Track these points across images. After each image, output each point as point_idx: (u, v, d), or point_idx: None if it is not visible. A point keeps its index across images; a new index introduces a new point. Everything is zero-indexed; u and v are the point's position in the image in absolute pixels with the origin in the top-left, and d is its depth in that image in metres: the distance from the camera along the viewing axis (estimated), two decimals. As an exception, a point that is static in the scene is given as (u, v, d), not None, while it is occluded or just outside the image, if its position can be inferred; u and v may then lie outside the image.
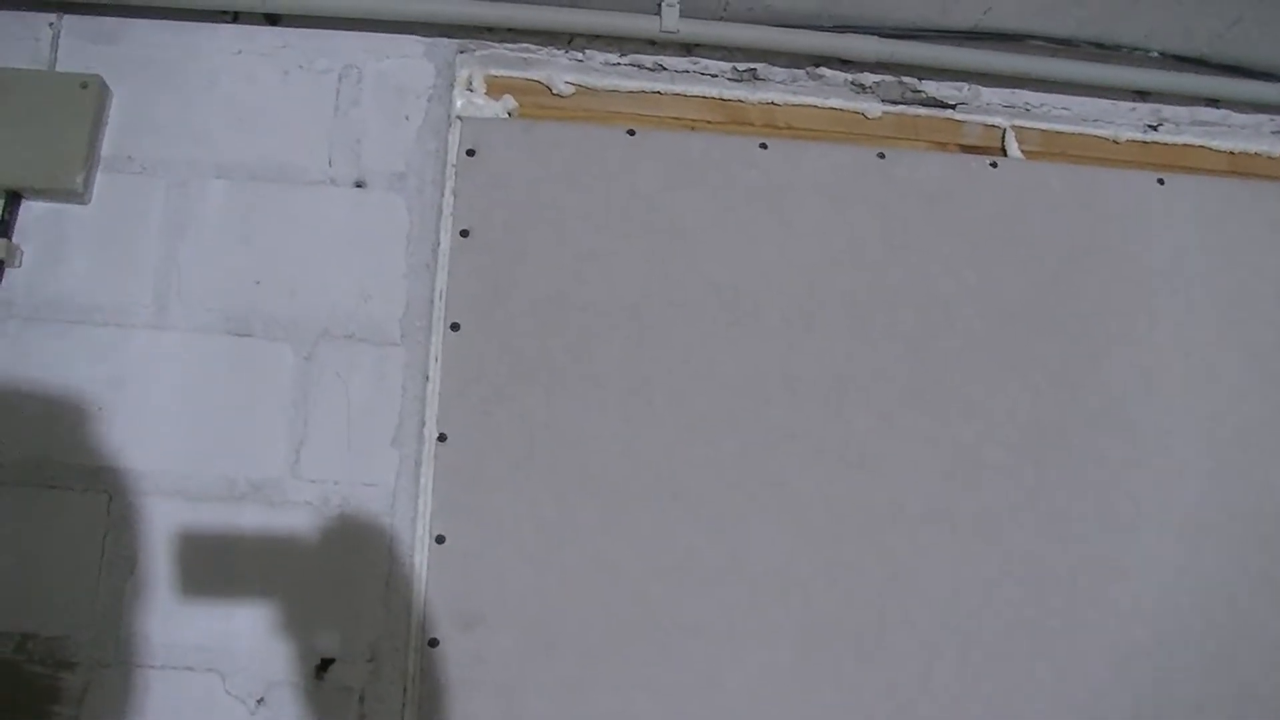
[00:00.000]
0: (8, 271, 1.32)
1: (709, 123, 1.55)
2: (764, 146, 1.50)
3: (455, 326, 1.34)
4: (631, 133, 1.46)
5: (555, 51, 1.50)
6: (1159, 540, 1.45)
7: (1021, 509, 1.43)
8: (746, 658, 1.34)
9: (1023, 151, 1.58)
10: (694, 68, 1.52)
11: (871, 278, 1.46)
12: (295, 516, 1.29)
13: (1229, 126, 1.64)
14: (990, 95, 1.58)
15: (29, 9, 1.40)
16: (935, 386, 1.44)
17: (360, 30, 1.46)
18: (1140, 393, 1.49)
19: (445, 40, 1.47)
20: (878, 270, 1.46)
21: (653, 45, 1.51)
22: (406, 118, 1.42)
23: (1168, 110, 1.63)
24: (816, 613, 1.38)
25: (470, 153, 1.42)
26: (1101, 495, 1.45)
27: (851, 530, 1.39)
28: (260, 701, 1.24)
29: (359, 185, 1.37)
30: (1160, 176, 1.59)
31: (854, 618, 1.39)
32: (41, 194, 1.35)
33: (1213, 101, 1.64)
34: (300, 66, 1.42)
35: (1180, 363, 1.52)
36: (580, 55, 1.50)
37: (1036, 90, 1.60)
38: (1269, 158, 1.66)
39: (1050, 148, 1.63)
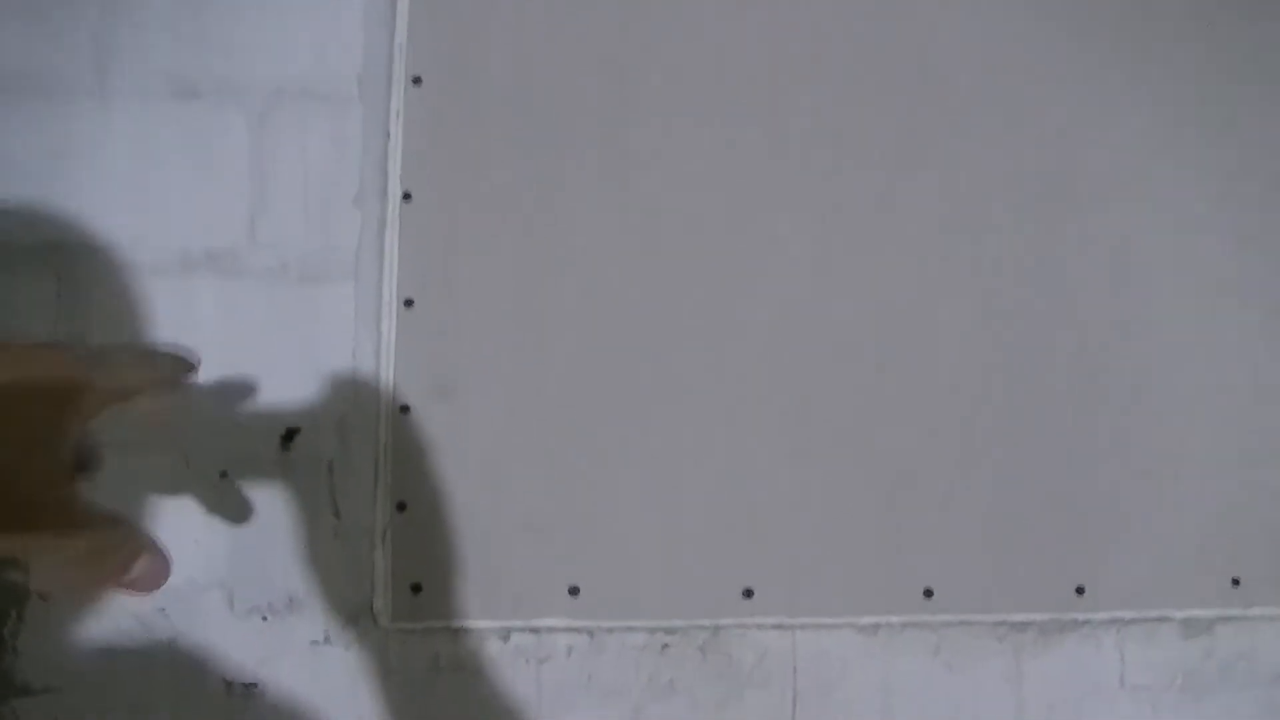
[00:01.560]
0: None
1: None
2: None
3: (417, 80, 1.23)
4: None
5: None
6: (1176, 300, 1.27)
7: (1026, 281, 1.27)
8: (733, 432, 1.23)
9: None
10: None
11: (868, 32, 1.31)
12: (254, 285, 1.18)
13: None
14: None
15: None
16: (936, 150, 1.28)
17: None
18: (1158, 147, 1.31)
19: None
20: (874, 25, 1.31)
21: None
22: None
23: None
24: (807, 390, 1.30)
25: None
26: (1116, 257, 1.28)
27: (845, 307, 1.24)
28: (224, 475, 1.14)
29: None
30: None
31: (847, 396, 1.30)
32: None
33: None
34: None
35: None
36: None
37: None
38: None
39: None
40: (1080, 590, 1.30)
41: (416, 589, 1.17)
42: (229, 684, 1.15)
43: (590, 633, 1.19)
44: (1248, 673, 1.35)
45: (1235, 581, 1.35)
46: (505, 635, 1.18)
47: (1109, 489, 1.32)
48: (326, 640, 1.15)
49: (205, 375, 1.12)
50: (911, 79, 1.33)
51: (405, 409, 1.18)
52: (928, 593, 1.25)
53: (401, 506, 1.17)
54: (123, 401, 0.58)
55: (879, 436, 1.26)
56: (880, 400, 1.27)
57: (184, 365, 0.66)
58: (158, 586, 0.57)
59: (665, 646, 1.20)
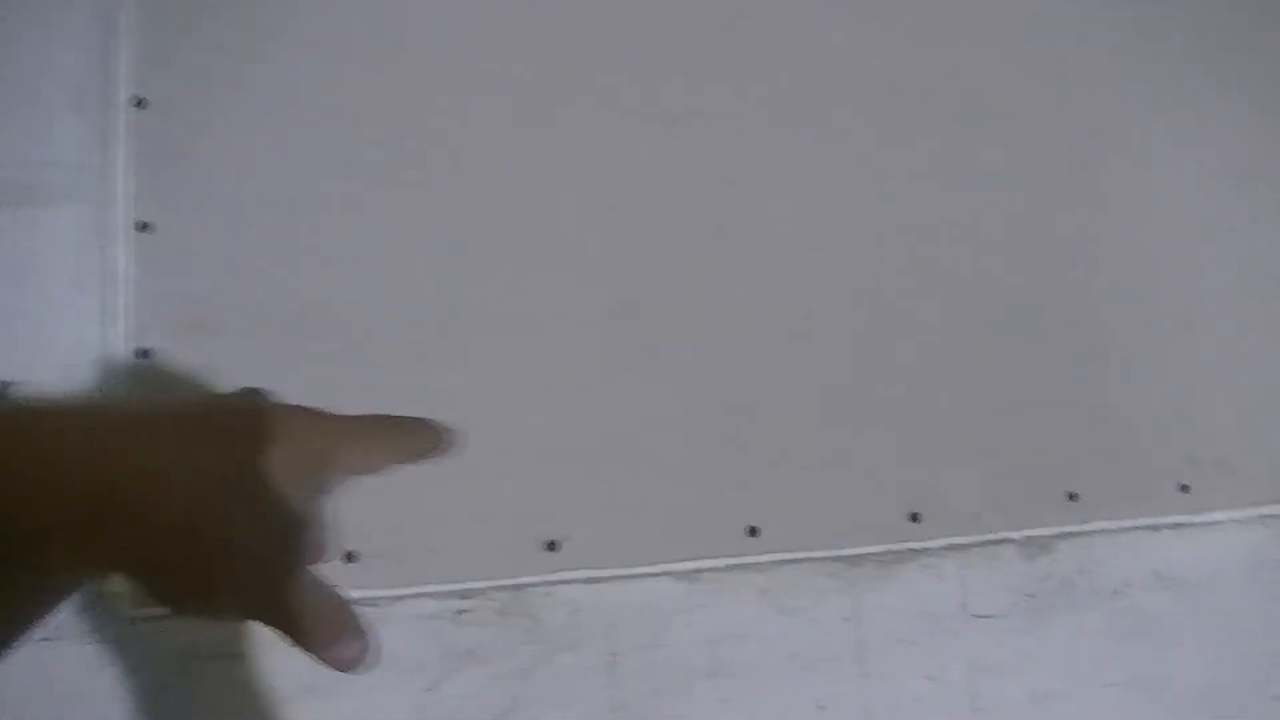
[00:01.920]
0: None
1: None
2: None
3: None
4: None
5: None
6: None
7: (862, 163, 1.14)
8: (525, 364, 1.05)
9: None
10: None
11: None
12: None
13: None
14: None
15: None
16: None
17: None
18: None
19: None
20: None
21: None
22: None
23: None
24: (610, 307, 1.16)
25: None
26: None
27: (667, 190, 1.09)
28: None
29: None
30: None
31: (656, 314, 1.18)
32: None
33: None
34: None
35: None
36: None
37: None
38: None
39: None
40: (915, 517, 1.18)
41: None
42: None
43: (373, 603, 1.01)
44: (1088, 589, 1.26)
45: (1072, 496, 1.25)
46: None
47: (942, 411, 1.20)
48: (57, 634, 0.95)
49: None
50: None
51: (145, 353, 0.98)
52: (752, 531, 1.12)
53: None
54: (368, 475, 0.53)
55: (689, 360, 1.12)
56: (692, 318, 1.12)
57: (436, 439, 0.63)
58: (357, 668, 0.55)
59: (460, 612, 1.04)
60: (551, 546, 1.08)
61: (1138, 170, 1.36)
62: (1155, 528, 1.31)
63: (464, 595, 1.06)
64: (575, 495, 1.08)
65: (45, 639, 0.99)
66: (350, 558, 1.03)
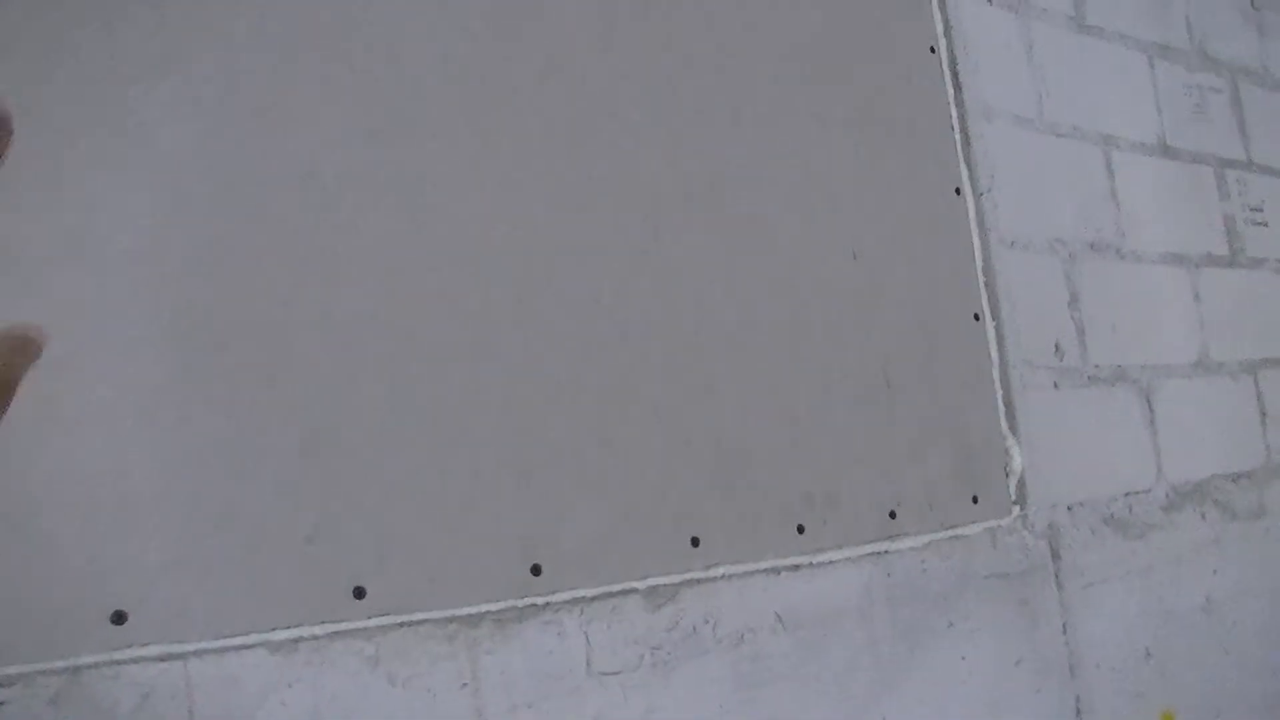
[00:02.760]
0: None
1: None
2: None
3: None
4: None
5: None
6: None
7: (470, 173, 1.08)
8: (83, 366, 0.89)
9: None
10: None
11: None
12: None
13: None
14: None
15: None
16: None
17: None
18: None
19: None
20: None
21: None
22: None
23: None
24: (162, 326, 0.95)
25: None
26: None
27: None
28: None
29: None
30: None
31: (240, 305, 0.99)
32: None
33: None
34: None
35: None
36: None
37: None
38: None
39: None
40: (536, 569, 1.10)
41: None
42: None
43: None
44: (712, 637, 1.22)
45: (695, 541, 1.22)
46: None
47: (558, 450, 1.14)
48: None
49: None
50: None
51: None
52: (358, 592, 1.00)
53: None
54: None
55: (280, 384, 0.99)
56: (264, 338, 1.00)
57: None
58: None
59: (1, 704, 0.85)
60: (118, 619, 0.91)
61: (747, 191, 1.37)
62: (775, 570, 1.30)
63: (5, 683, 0.88)
64: (145, 554, 0.93)
65: None
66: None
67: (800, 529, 1.32)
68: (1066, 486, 1.70)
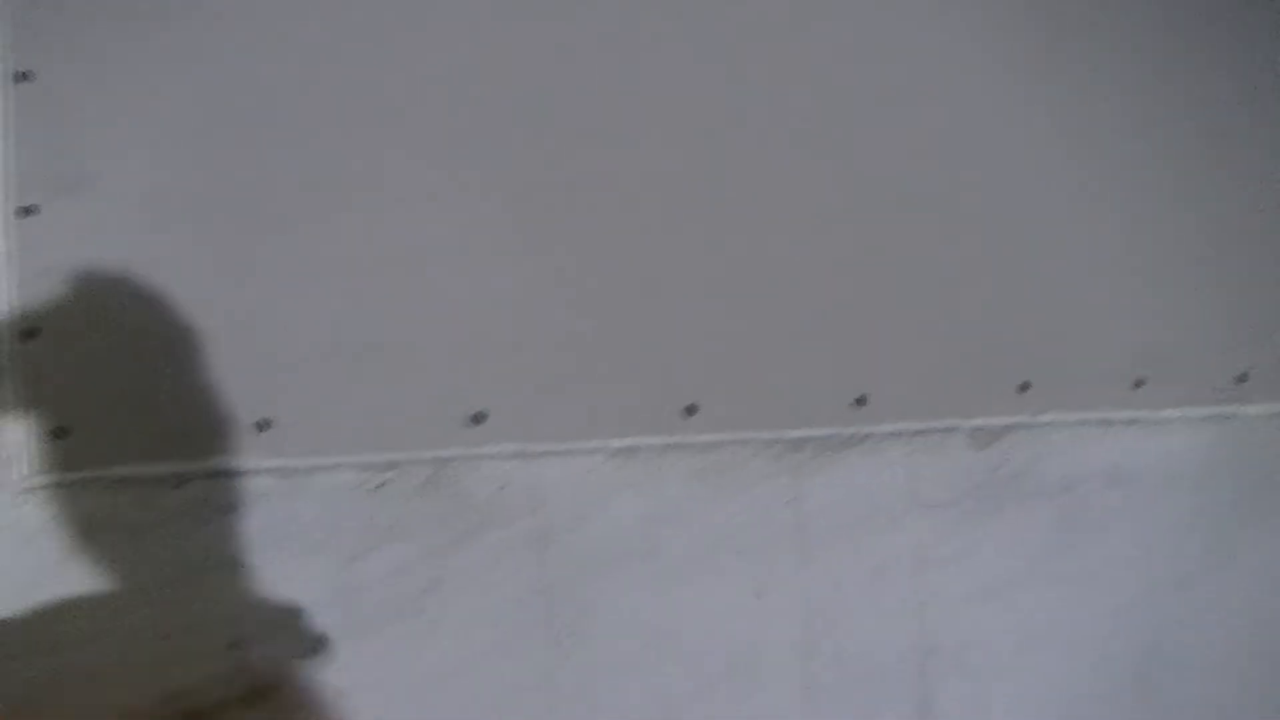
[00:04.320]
0: None
1: None
2: None
3: None
4: None
5: None
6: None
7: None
8: (453, 225, 1.03)
9: None
10: None
11: None
12: None
13: None
14: None
15: None
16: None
17: None
18: None
19: None
20: None
21: None
22: None
23: None
24: (544, 167, 1.10)
25: None
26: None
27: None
28: None
29: None
30: None
31: (593, 181, 1.11)
32: None
33: None
34: None
35: None
36: None
37: None
38: None
39: None
40: (861, 400, 1.13)
41: (60, 433, 0.90)
42: None
43: (285, 474, 0.95)
44: (1037, 482, 1.21)
45: (1024, 387, 1.20)
46: (177, 482, 0.93)
47: (894, 293, 1.14)
48: None
49: None
50: None
51: (28, 210, 0.90)
52: (690, 409, 1.06)
53: (31, 333, 0.90)
54: None
55: (630, 230, 1.06)
56: (632, 187, 1.06)
57: None
58: None
59: (381, 485, 0.97)
60: (478, 419, 1.01)
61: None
62: (1108, 423, 1.26)
63: (385, 467, 1.00)
64: (504, 366, 1.02)
65: None
66: (262, 426, 0.96)
67: (1138, 383, 1.27)
68: None
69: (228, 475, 0.96)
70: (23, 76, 0.94)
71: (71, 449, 0.93)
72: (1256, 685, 1.31)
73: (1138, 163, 1.27)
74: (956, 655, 1.20)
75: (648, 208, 1.07)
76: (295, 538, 0.98)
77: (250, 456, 0.97)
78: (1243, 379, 1.34)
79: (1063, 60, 1.23)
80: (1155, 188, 1.28)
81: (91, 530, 0.94)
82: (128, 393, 0.94)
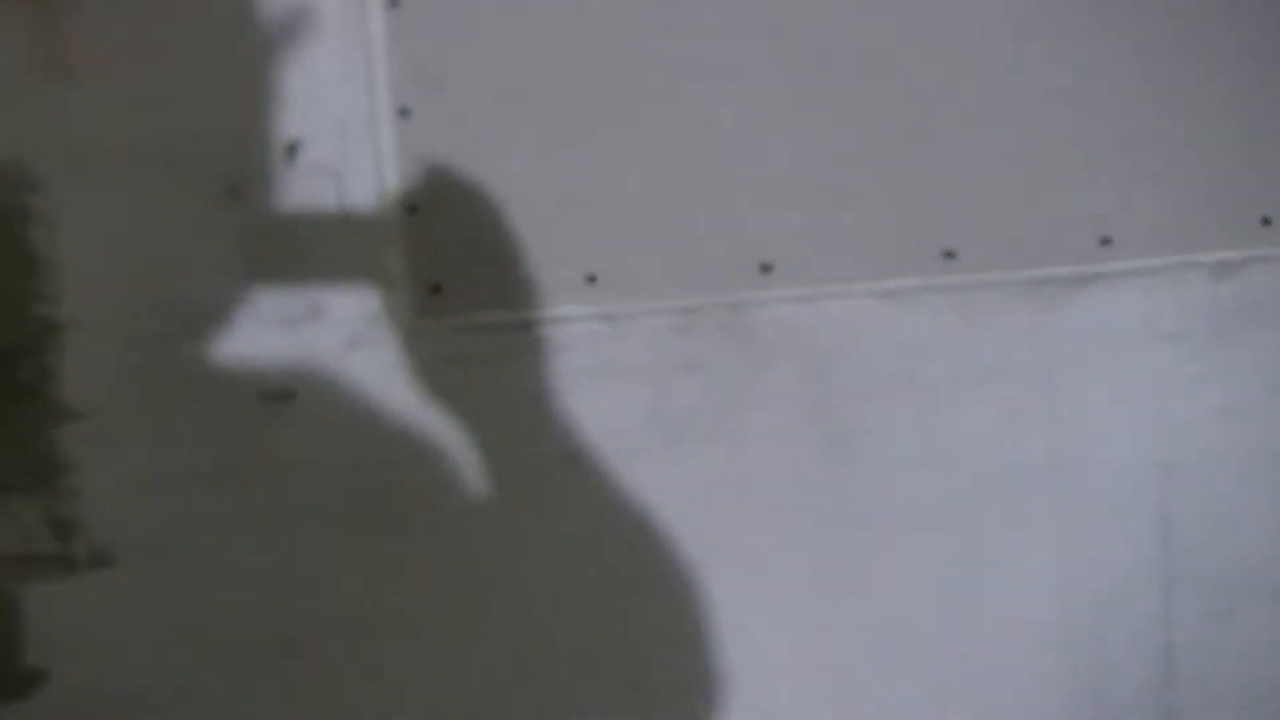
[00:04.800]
0: None
1: None
2: None
3: None
4: None
5: None
6: None
7: None
8: (738, 101, 1.24)
9: None
10: None
11: None
12: None
13: None
14: None
15: None
16: None
17: None
18: None
19: None
20: None
21: None
22: None
23: None
24: (810, 47, 1.27)
25: None
26: None
27: None
28: (233, 192, 1.13)
29: None
30: None
31: (851, 52, 1.29)
32: None
33: None
34: None
35: None
36: None
37: None
38: None
39: None
40: (1105, 240, 1.27)
41: (435, 289, 1.17)
42: (263, 393, 1.17)
43: (610, 318, 1.19)
44: (1275, 311, 1.33)
45: (1265, 221, 1.32)
46: (526, 327, 1.19)
47: (1132, 135, 1.27)
48: (351, 345, 1.17)
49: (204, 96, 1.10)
50: None
51: (405, 111, 1.15)
52: (948, 254, 1.24)
53: (412, 209, 1.16)
54: None
55: (887, 94, 1.22)
56: (887, 55, 1.22)
57: None
58: None
59: (686, 326, 1.20)
60: (765, 269, 1.22)
61: None
62: None
63: (688, 311, 1.23)
64: (787, 224, 1.22)
65: (341, 347, 1.20)
66: (591, 279, 1.20)
67: None
68: None
69: (564, 320, 1.21)
70: (393, 4, 1.17)
71: (444, 302, 1.19)
72: None
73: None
74: (1194, 469, 1.36)
75: (910, 80, 1.23)
76: (616, 372, 1.22)
77: (582, 305, 1.21)
78: None
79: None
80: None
81: (458, 365, 1.21)
82: (487, 257, 1.19)
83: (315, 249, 1.16)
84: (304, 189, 1.16)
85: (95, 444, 1.13)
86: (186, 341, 1.15)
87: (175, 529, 1.14)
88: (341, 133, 1.16)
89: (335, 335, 1.17)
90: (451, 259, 1.17)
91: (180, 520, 1.14)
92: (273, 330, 1.16)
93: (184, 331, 1.15)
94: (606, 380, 1.20)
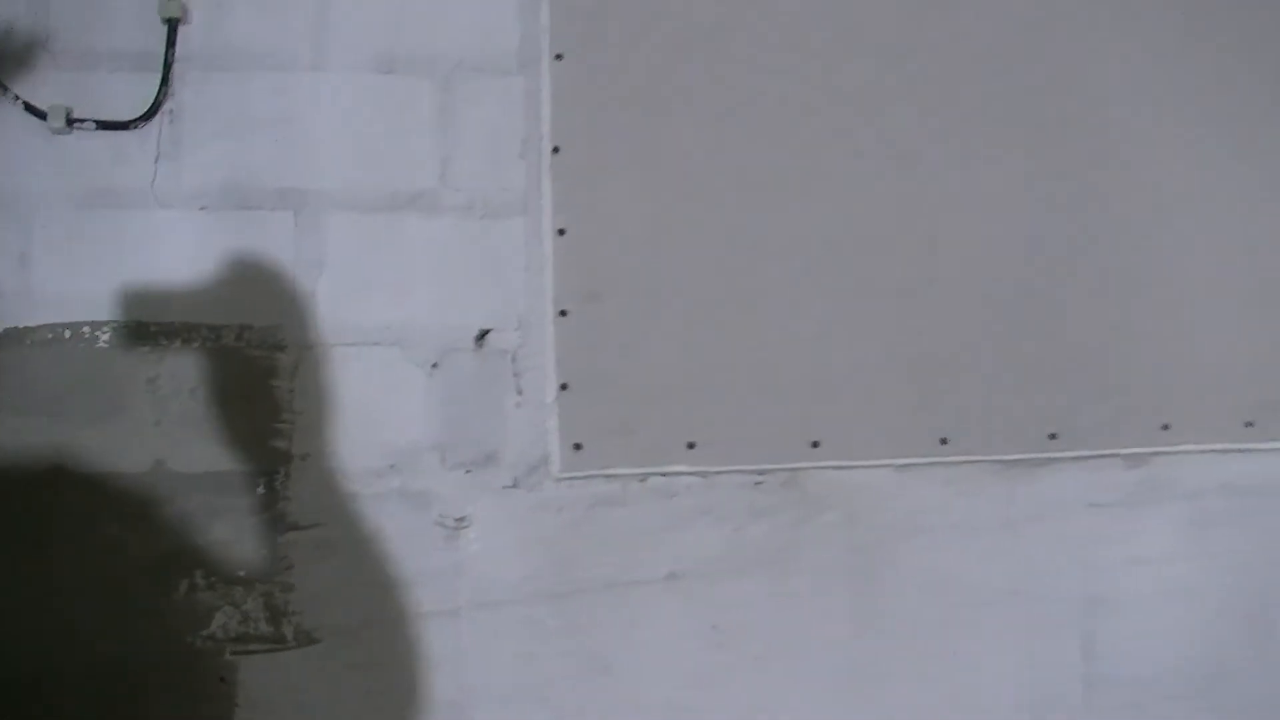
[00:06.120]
0: (181, 28, 1.60)
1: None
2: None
3: (559, 56, 1.64)
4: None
5: None
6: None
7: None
8: (806, 322, 1.70)
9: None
10: None
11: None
12: (448, 219, 1.60)
13: None
14: None
15: None
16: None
17: None
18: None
19: None
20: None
21: None
22: None
23: None
24: (855, 275, 1.73)
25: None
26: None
27: (885, 210, 1.70)
28: (435, 366, 1.58)
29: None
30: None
31: (887, 291, 1.75)
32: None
33: None
34: None
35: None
36: None
37: None
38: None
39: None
40: (1054, 436, 1.79)
41: (578, 447, 1.63)
42: (442, 518, 1.61)
43: (704, 475, 1.66)
44: (1172, 492, 1.86)
45: (1165, 426, 1.85)
46: (643, 479, 1.65)
47: (1078, 337, 1.80)
48: (514, 485, 1.61)
49: (419, 288, 1.56)
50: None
51: (564, 313, 1.63)
52: (944, 441, 1.74)
53: (564, 386, 1.62)
54: None
55: (911, 316, 1.73)
56: (911, 289, 1.74)
57: None
58: None
59: (758, 484, 1.68)
60: (815, 445, 1.71)
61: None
62: (1225, 451, 1.89)
63: (761, 473, 1.71)
64: (832, 412, 1.71)
65: (505, 487, 1.65)
66: (691, 446, 1.68)
67: (1248, 424, 1.90)
68: None
69: (672, 475, 1.68)
70: (560, 232, 1.66)
71: (584, 457, 1.66)
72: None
73: None
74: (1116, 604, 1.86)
75: (907, 300, 1.75)
76: (707, 515, 1.69)
77: (684, 464, 1.68)
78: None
79: None
80: None
81: (594, 505, 1.67)
82: (617, 426, 1.66)
83: (493, 412, 1.61)
84: (489, 365, 1.61)
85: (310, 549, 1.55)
86: (390, 475, 1.58)
87: (371, 619, 1.56)
88: (520, 326, 1.62)
89: (502, 478, 1.61)
90: (591, 424, 1.63)
91: (374, 613, 1.56)
92: (454, 471, 1.60)
93: (389, 468, 1.57)
94: (699, 520, 1.67)
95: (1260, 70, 1.85)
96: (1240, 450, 1.84)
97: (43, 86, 1.55)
